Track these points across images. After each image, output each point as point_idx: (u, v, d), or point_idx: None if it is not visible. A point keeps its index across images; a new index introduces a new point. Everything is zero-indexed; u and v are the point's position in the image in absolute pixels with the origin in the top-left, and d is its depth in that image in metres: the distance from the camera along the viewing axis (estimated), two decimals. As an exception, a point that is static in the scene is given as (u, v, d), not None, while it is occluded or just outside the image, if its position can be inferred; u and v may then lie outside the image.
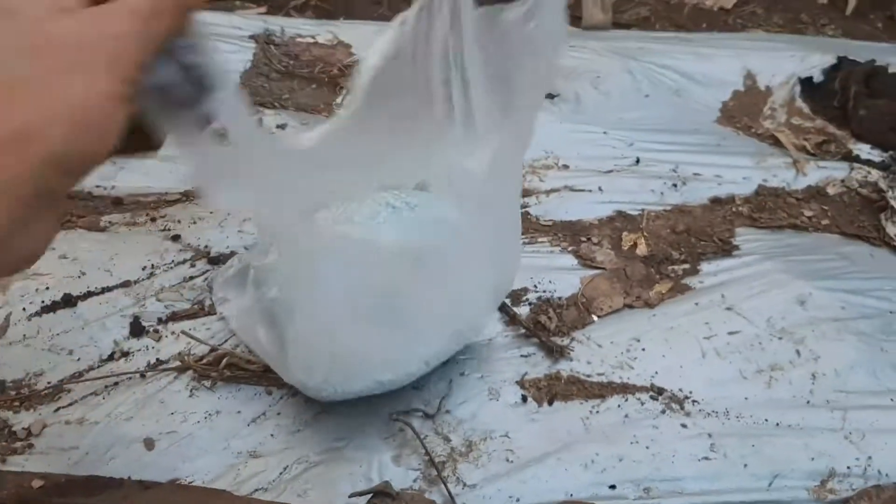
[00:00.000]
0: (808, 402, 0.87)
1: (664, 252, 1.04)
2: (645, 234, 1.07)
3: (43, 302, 0.93)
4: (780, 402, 0.87)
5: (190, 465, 0.77)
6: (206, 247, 1.02)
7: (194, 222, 1.06)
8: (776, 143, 1.28)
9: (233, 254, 0.99)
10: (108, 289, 0.95)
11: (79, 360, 0.87)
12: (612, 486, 0.78)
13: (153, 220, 1.06)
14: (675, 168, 1.20)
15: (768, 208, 1.13)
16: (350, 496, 0.72)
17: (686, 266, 1.03)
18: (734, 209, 1.13)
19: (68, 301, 0.93)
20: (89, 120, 0.31)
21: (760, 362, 0.90)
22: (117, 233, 1.04)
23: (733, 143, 1.27)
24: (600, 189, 1.15)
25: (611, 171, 1.18)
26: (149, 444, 0.79)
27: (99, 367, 0.87)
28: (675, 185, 1.16)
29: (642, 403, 0.85)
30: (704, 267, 1.03)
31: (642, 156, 1.21)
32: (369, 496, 0.70)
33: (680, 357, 0.90)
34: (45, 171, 0.30)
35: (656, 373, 0.88)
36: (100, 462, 0.77)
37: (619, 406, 0.84)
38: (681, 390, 0.87)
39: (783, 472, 0.80)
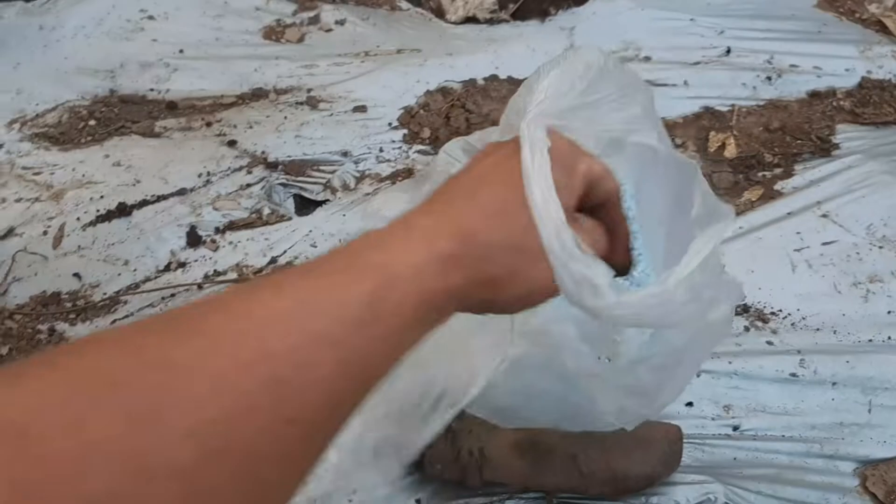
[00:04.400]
0: (909, 316, 0.85)
1: (756, 153, 1.01)
2: (735, 132, 1.04)
3: (98, 211, 0.96)
4: (878, 317, 0.84)
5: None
6: (263, 152, 1.03)
7: (251, 127, 1.06)
8: (883, 29, 1.20)
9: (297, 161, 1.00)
10: (164, 197, 0.98)
11: (135, 270, 0.90)
12: (689, 404, 0.78)
13: (208, 124, 1.07)
14: (770, 59, 1.14)
15: (873, 102, 1.07)
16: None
17: (779, 170, 0.99)
18: (835, 104, 1.08)
19: (123, 210, 0.96)
20: (534, 301, 0.44)
21: (858, 274, 0.88)
22: (171, 138, 1.06)
23: (835, 29, 1.20)
24: (686, 83, 1.11)
25: (698, 63, 1.14)
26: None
27: (155, 278, 0.90)
28: (769, 78, 1.11)
29: (724, 319, 0.84)
30: (799, 170, 0.99)
31: (733, 45, 1.16)
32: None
33: (767, 271, 0.88)
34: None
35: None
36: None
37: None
38: (768, 306, 0.85)
39: (877, 391, 0.79)
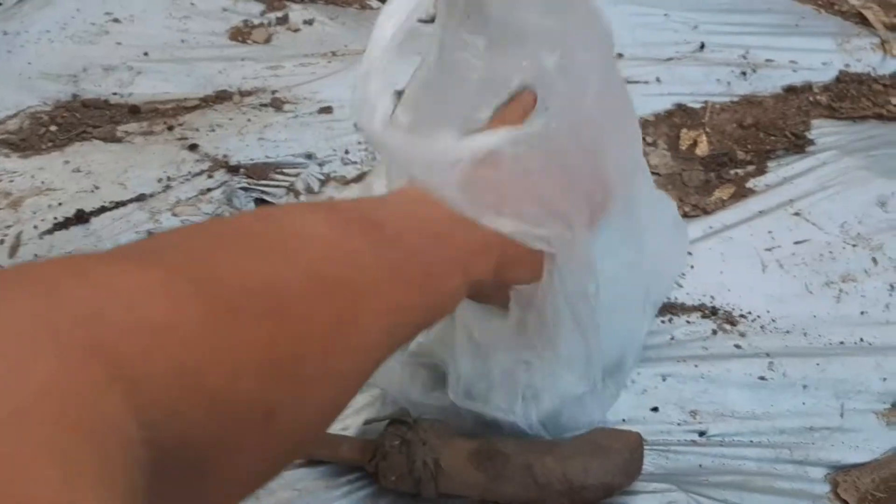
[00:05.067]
0: (883, 316, 0.83)
1: (728, 150, 0.99)
2: (707, 129, 1.02)
3: (55, 218, 0.94)
4: (850, 318, 0.83)
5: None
6: (224, 156, 1.01)
7: (213, 130, 1.05)
8: (863, 20, 1.18)
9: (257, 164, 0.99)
10: (122, 203, 0.96)
11: (91, 279, 0.89)
12: (655, 409, 0.77)
13: (170, 128, 1.06)
14: (745, 53, 1.12)
15: (850, 97, 1.06)
16: (365, 423, 0.72)
17: (752, 167, 0.97)
18: (811, 99, 1.06)
19: (81, 217, 0.94)
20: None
21: (830, 274, 0.86)
22: (133, 143, 1.04)
23: (813, 22, 1.18)
24: (658, 80, 1.09)
25: (671, 59, 1.12)
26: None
27: (112, 286, 0.88)
28: (744, 73, 1.10)
29: (690, 324, 0.82)
30: (772, 167, 0.97)
31: (708, 40, 1.14)
32: (386, 422, 0.70)
33: (737, 272, 0.86)
34: None
35: (708, 290, 0.85)
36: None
37: (661, 323, 0.82)
38: (737, 308, 0.83)
39: (849, 394, 0.77)
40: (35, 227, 0.94)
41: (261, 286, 0.34)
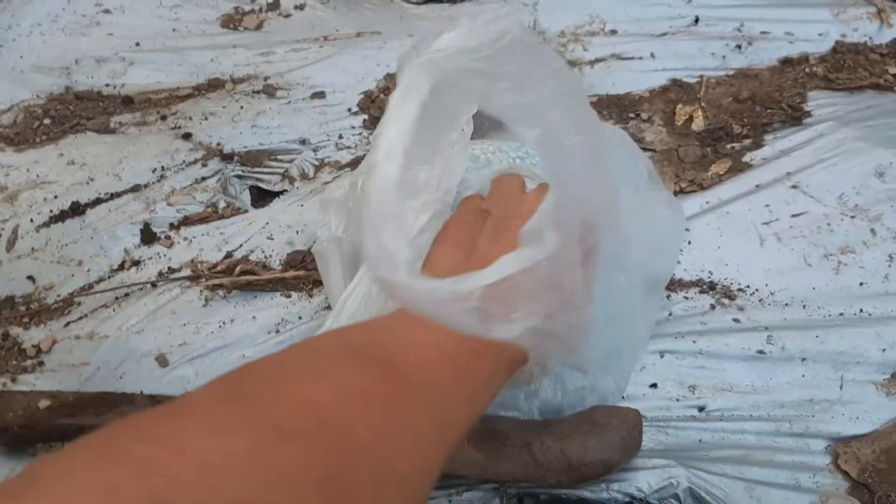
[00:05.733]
0: (882, 287, 0.83)
1: (724, 124, 0.99)
2: (703, 104, 1.01)
3: (51, 211, 0.95)
4: (849, 290, 0.82)
5: (203, 378, 0.79)
6: (218, 144, 1.01)
7: (206, 118, 1.05)
8: (859, -11, 1.17)
9: (258, 153, 0.98)
10: (117, 194, 0.96)
11: (88, 271, 0.89)
12: (653, 385, 0.77)
13: (164, 118, 1.06)
14: (740, 26, 1.12)
15: (847, 67, 1.05)
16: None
17: (748, 141, 0.97)
18: (807, 70, 1.05)
19: (76, 209, 0.94)
20: None
21: (828, 246, 0.86)
22: (127, 134, 1.04)
23: (808, -8, 1.17)
24: (652, 55, 1.08)
25: (665, 34, 1.11)
26: (161, 360, 0.80)
27: (109, 277, 0.88)
28: (739, 47, 1.09)
29: (688, 299, 0.82)
30: (769, 140, 0.96)
31: (702, 14, 1.13)
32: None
33: (735, 246, 0.86)
34: None
35: (706, 265, 0.84)
36: (111, 378, 0.79)
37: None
38: (735, 283, 0.83)
39: (848, 365, 0.77)
40: (31, 220, 0.94)
41: (300, 406, 0.36)
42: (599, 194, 0.56)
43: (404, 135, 0.42)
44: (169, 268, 0.88)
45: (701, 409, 0.75)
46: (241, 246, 0.90)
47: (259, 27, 1.18)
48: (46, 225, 0.94)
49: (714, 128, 0.98)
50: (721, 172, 0.93)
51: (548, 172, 0.50)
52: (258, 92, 1.07)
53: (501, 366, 0.53)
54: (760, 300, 0.82)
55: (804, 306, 0.81)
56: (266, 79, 1.09)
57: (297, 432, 0.34)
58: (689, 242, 0.86)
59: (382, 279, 0.41)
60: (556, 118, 0.49)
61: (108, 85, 1.11)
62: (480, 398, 0.51)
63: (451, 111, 0.62)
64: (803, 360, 0.77)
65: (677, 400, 0.76)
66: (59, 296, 0.87)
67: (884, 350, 0.78)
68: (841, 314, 0.80)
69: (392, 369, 0.43)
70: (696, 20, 1.12)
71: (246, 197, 0.96)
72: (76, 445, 0.31)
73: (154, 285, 0.86)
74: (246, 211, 0.94)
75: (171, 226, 0.92)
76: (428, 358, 0.47)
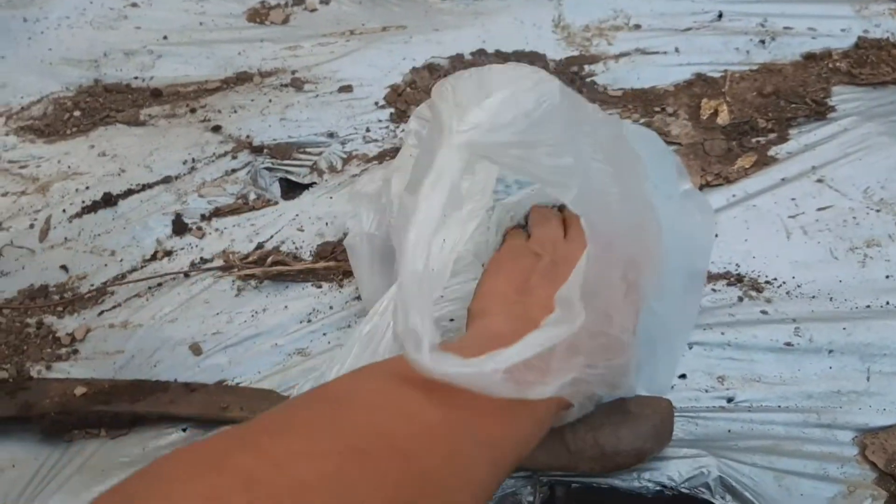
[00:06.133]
0: (908, 280, 0.83)
1: (749, 118, 0.99)
2: (727, 98, 1.02)
3: (83, 202, 0.96)
4: (875, 283, 0.83)
5: (237, 366, 0.80)
6: (247, 137, 1.02)
7: (235, 111, 1.06)
8: (883, -15, 1.18)
9: (282, 145, 1.00)
10: (149, 186, 0.97)
11: (121, 261, 0.90)
12: (682, 376, 0.78)
13: (193, 110, 1.07)
14: (764, 21, 1.12)
15: (870, 62, 1.05)
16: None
17: (773, 135, 0.97)
18: (830, 65, 1.06)
19: (108, 200, 0.95)
20: None
21: (854, 239, 0.86)
22: (156, 126, 1.05)
23: (831, -12, 1.18)
24: (677, 50, 1.09)
25: (689, 29, 1.12)
26: (195, 348, 0.81)
27: (142, 267, 0.89)
28: (762, 42, 1.10)
29: (716, 291, 0.83)
30: (794, 134, 0.97)
31: (725, 9, 1.14)
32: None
33: (761, 239, 0.86)
34: None
35: (733, 258, 0.85)
36: (146, 366, 0.81)
37: (689, 294, 0.83)
38: (762, 275, 0.84)
39: (875, 357, 0.78)
40: (63, 210, 0.95)
41: (376, 433, 0.39)
42: (638, 233, 0.57)
43: (433, 222, 0.44)
44: (201, 258, 0.89)
45: (730, 399, 0.76)
46: (271, 237, 0.91)
47: (285, 21, 1.19)
48: (79, 215, 0.95)
49: (739, 122, 0.99)
50: (747, 166, 0.94)
51: (587, 227, 0.51)
52: (286, 85, 1.08)
53: (551, 411, 0.56)
54: (787, 292, 0.82)
55: (831, 299, 0.82)
56: (293, 72, 1.10)
57: (375, 457, 0.37)
58: (717, 235, 0.87)
59: (409, 358, 0.43)
60: (594, 172, 0.50)
61: (136, 78, 1.12)
62: (529, 441, 0.54)
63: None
64: (830, 351, 0.78)
65: (706, 391, 0.77)
66: (92, 285, 0.88)
67: (911, 342, 0.79)
68: (868, 306, 0.81)
69: (454, 406, 0.45)
70: (720, 15, 1.13)
71: (276, 189, 0.97)
72: (175, 456, 0.34)
73: (187, 275, 0.88)
74: (276, 203, 0.95)
75: (203, 217, 0.94)
76: (482, 397, 0.48)
